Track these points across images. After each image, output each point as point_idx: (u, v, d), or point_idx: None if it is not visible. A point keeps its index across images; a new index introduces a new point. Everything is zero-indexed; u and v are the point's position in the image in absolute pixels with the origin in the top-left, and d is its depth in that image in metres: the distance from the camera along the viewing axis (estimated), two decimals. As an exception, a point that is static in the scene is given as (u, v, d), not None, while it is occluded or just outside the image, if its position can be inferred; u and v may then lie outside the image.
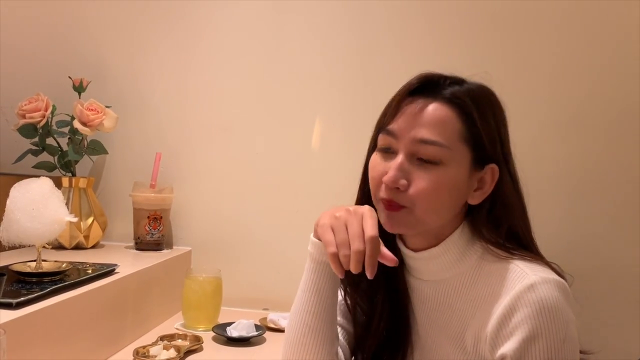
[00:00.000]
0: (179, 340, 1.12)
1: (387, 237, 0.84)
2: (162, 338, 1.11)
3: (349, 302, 0.91)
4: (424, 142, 0.77)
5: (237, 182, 1.48)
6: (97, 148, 1.45)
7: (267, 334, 1.22)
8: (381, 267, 0.75)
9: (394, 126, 0.80)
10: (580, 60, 1.31)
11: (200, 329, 1.22)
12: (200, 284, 1.25)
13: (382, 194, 0.79)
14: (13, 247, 0.91)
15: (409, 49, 1.41)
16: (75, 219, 0.95)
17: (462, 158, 0.78)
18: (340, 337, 0.89)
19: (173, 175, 1.48)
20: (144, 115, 1.53)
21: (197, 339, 1.12)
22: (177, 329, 1.23)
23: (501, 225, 0.81)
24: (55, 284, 0.90)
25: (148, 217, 1.39)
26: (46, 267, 0.97)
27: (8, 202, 0.89)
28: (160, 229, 1.40)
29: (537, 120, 1.30)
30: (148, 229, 1.39)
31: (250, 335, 1.17)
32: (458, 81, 0.81)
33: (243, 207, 1.48)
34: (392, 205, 0.79)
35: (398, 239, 0.88)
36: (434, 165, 0.77)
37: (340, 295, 0.89)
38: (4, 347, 0.55)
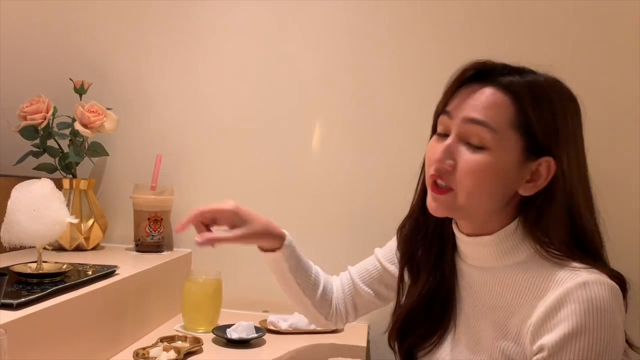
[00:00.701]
0: (179, 342, 1.12)
1: (444, 220, 0.91)
2: (162, 340, 1.11)
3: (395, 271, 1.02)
4: (473, 121, 0.78)
5: (237, 184, 1.49)
6: (97, 150, 1.45)
7: (267, 336, 1.22)
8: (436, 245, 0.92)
9: (449, 107, 0.83)
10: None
11: (200, 331, 1.22)
12: (200, 285, 1.25)
13: (431, 171, 0.82)
14: (14, 249, 0.91)
15: (410, 51, 1.41)
16: (76, 220, 0.96)
17: (511, 145, 0.78)
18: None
19: (174, 177, 1.48)
20: (144, 117, 1.53)
21: (197, 341, 1.12)
22: (177, 330, 1.23)
23: (559, 224, 0.79)
24: (56, 285, 0.91)
25: (148, 219, 1.39)
26: (47, 268, 0.97)
27: (9, 203, 0.90)
28: (161, 230, 1.40)
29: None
30: (148, 231, 1.39)
31: (250, 337, 1.17)
32: (519, 70, 0.82)
33: (245, 207, 1.47)
34: (437, 187, 0.82)
35: (453, 222, 0.91)
36: (481, 150, 0.78)
37: (377, 263, 1.08)
38: (4, 348, 0.55)
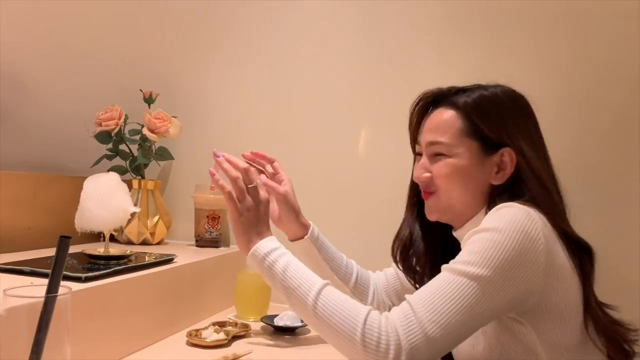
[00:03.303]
0: (229, 327, 1.21)
1: (444, 228, 1.01)
2: (214, 324, 1.20)
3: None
4: (432, 143, 0.96)
5: (289, 185, 1.57)
6: (164, 154, 1.59)
7: (312, 327, 1.28)
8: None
9: (416, 136, 1.03)
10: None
11: (251, 320, 1.31)
12: (251, 277, 1.33)
13: (420, 185, 1.00)
14: (84, 234, 1.03)
15: (451, 56, 1.45)
16: (137, 209, 1.07)
17: (468, 148, 0.93)
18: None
19: (231, 179, 1.59)
20: (205, 123, 1.67)
21: (246, 327, 1.21)
22: (229, 318, 1.32)
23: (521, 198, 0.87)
24: (120, 266, 1.02)
25: (207, 217, 1.51)
26: (113, 252, 1.09)
27: (82, 193, 1.03)
28: (218, 227, 1.51)
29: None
30: (207, 227, 1.50)
31: (295, 325, 1.24)
32: (464, 89, 0.97)
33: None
34: (425, 193, 0.99)
35: (453, 231, 1.01)
36: (445, 157, 0.95)
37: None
38: (69, 304, 0.64)
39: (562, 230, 0.86)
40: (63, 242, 0.63)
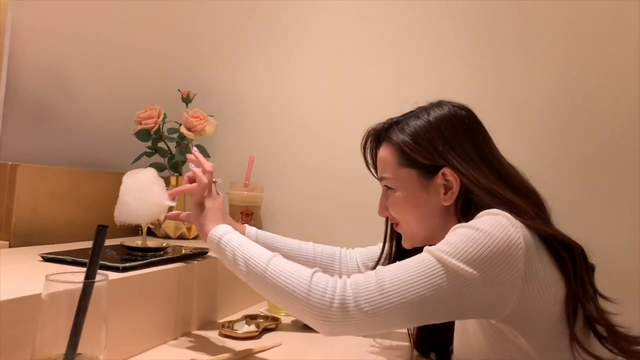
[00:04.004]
0: (260, 320, 1.23)
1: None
2: (246, 316, 1.23)
3: None
4: (381, 179, 1.03)
5: (321, 183, 1.60)
6: (200, 152, 1.63)
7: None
8: None
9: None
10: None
11: (282, 314, 1.33)
12: (283, 273, 1.36)
13: None
14: (122, 226, 1.07)
15: (478, 59, 1.45)
16: (173, 203, 1.11)
17: (408, 177, 0.98)
18: None
19: (264, 176, 1.63)
20: (240, 123, 1.71)
21: (276, 320, 1.23)
22: (261, 312, 1.35)
23: (485, 206, 0.88)
24: (156, 258, 1.06)
25: (241, 213, 1.54)
26: (150, 244, 1.13)
27: (121, 187, 1.07)
28: (252, 223, 1.54)
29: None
30: (241, 223, 1.53)
31: (324, 320, 1.25)
32: (400, 120, 1.02)
33: (326, 206, 1.59)
34: (393, 224, 1.06)
35: None
36: (393, 190, 1.01)
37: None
38: (105, 290, 0.68)
39: (538, 230, 0.84)
40: (101, 230, 0.66)
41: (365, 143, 1.09)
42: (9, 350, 0.68)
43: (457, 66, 1.52)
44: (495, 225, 0.81)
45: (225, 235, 0.99)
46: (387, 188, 1.02)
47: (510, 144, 1.05)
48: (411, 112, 1.03)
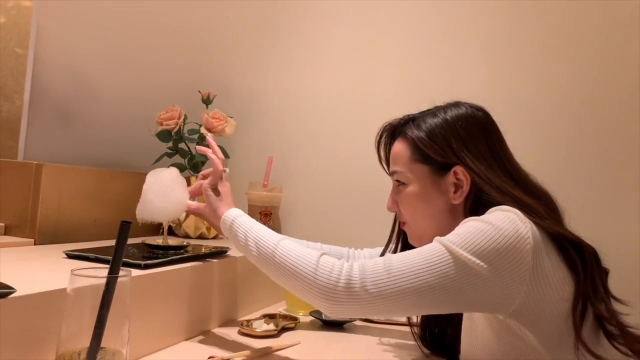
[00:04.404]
0: (279, 319, 1.24)
1: None
2: (264, 315, 1.24)
3: None
4: (393, 173, 1.03)
5: (338, 184, 1.61)
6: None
7: (361, 324, 1.30)
8: None
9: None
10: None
11: (300, 314, 1.34)
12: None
13: None
14: (144, 224, 1.08)
15: (495, 58, 1.44)
16: (195, 204, 1.12)
17: (420, 173, 0.99)
18: None
19: (282, 177, 1.64)
20: (259, 124, 1.72)
21: (295, 319, 1.24)
22: (280, 311, 1.36)
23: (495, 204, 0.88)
24: (176, 256, 1.08)
25: (260, 213, 1.56)
26: (171, 242, 1.15)
27: (144, 185, 1.08)
28: (270, 223, 1.56)
29: None
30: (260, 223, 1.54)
31: (342, 320, 1.26)
32: (416, 117, 1.03)
33: (344, 206, 1.60)
34: (401, 223, 1.07)
35: None
36: (404, 185, 1.01)
37: None
38: (128, 286, 0.69)
39: (548, 229, 0.84)
40: (124, 225, 0.68)
41: (380, 137, 1.10)
42: (37, 341, 0.70)
43: (473, 67, 1.51)
44: (504, 220, 0.81)
45: (238, 217, 1.03)
46: (398, 183, 1.03)
47: (525, 144, 1.05)
48: (428, 110, 1.04)
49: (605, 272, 0.88)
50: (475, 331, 0.92)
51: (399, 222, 1.09)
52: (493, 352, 0.88)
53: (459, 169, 0.95)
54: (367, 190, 1.57)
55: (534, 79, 1.47)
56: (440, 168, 0.97)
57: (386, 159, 1.10)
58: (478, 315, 0.91)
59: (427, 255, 0.82)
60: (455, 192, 0.96)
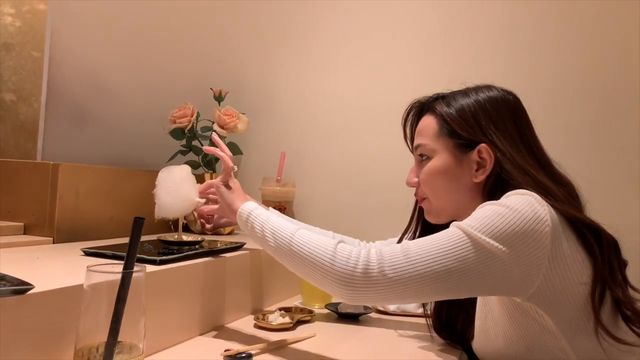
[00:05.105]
0: (295, 312, 1.25)
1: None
2: (280, 309, 1.25)
3: None
4: (417, 146, 1.04)
5: (351, 179, 1.61)
6: (233, 149, 1.66)
7: (375, 316, 1.31)
8: None
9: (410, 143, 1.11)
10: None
11: (316, 307, 1.35)
12: (316, 266, 1.37)
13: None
14: (159, 220, 1.10)
15: (517, 54, 1.43)
16: (202, 201, 1.13)
17: (445, 147, 0.99)
18: None
19: (296, 172, 1.65)
20: (272, 120, 1.73)
21: (310, 312, 1.25)
22: (295, 305, 1.37)
23: (517, 187, 0.88)
24: (191, 251, 1.09)
25: (274, 208, 1.56)
26: (185, 238, 1.16)
27: (156, 181, 1.10)
28: (284, 218, 1.57)
29: None
30: (273, 218, 1.56)
31: (357, 312, 1.26)
32: (447, 95, 1.03)
33: (357, 201, 1.60)
34: (420, 199, 1.06)
35: None
36: (427, 159, 1.01)
37: None
38: (143, 281, 0.71)
39: (566, 213, 0.84)
40: (137, 222, 0.69)
41: (408, 114, 1.10)
42: (55, 335, 0.72)
43: (487, 59, 1.50)
44: (523, 203, 0.81)
45: (254, 210, 1.03)
46: (422, 158, 1.03)
47: (547, 133, 1.04)
48: (459, 90, 1.04)
49: (624, 263, 0.88)
50: (491, 316, 0.92)
51: (417, 201, 1.09)
52: (507, 337, 0.88)
53: (483, 147, 0.95)
54: (380, 185, 1.57)
55: (551, 69, 1.45)
56: (465, 145, 0.97)
57: (411, 137, 1.10)
58: (494, 300, 0.91)
59: (446, 239, 0.82)
60: (477, 170, 0.96)
